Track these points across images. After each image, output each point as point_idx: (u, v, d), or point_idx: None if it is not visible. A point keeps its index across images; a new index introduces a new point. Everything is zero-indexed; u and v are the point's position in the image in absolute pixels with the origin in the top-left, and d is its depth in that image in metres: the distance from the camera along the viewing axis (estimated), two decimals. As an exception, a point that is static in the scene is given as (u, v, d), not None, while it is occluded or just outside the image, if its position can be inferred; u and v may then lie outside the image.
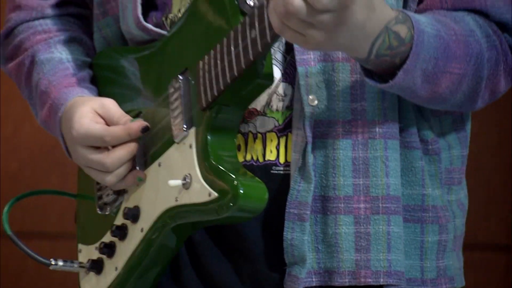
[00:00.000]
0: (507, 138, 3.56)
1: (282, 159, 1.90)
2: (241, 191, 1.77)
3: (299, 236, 1.87)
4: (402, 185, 1.91)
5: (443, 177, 1.97)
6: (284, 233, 1.87)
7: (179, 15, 1.96)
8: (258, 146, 1.92)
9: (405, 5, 1.90)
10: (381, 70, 1.80)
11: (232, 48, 1.80)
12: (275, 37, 1.74)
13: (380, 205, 1.89)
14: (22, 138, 3.83)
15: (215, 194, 1.79)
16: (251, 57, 1.76)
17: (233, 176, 1.80)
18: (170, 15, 1.99)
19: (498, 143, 3.57)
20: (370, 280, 1.87)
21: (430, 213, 1.94)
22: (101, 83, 2.08)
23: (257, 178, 1.83)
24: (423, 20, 1.82)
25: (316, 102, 1.86)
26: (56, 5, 2.14)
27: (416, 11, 1.90)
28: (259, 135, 1.91)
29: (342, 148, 1.88)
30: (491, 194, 3.69)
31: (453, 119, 1.97)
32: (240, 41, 1.78)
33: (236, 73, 1.79)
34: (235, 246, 1.93)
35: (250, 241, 1.92)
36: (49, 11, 2.13)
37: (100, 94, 2.05)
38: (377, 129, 1.88)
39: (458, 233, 1.99)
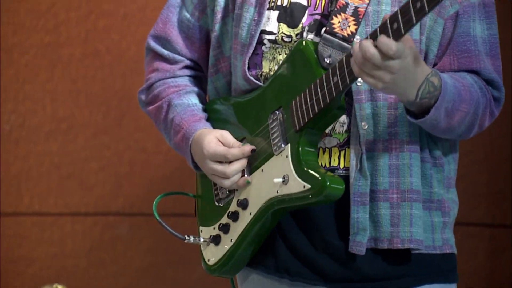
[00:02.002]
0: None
1: (342, 165, 2.22)
2: (328, 183, 2.12)
3: (362, 215, 2.19)
4: (419, 181, 2.25)
5: (445, 182, 2.27)
6: (352, 213, 2.19)
7: (271, 73, 2.26)
8: (326, 156, 2.24)
9: None
10: (417, 110, 2.13)
11: (319, 90, 2.14)
12: (352, 80, 2.07)
13: (406, 195, 2.20)
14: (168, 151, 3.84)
15: (308, 186, 2.14)
16: (334, 94, 2.10)
17: (321, 173, 2.15)
18: (264, 72, 2.28)
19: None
20: (399, 245, 2.18)
21: (435, 204, 2.25)
22: (213, 120, 2.39)
23: (337, 176, 2.18)
24: (444, 75, 2.14)
25: (366, 126, 2.18)
26: (181, 69, 2.43)
27: None
28: (326, 149, 2.23)
29: (382, 158, 2.20)
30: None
31: (450, 145, 2.27)
32: (325, 85, 2.13)
33: (322, 106, 2.13)
34: (310, 223, 2.24)
35: (320, 219, 2.23)
36: (178, 73, 2.42)
37: (213, 127, 2.36)
38: (405, 146, 2.20)
39: (452, 219, 2.29)
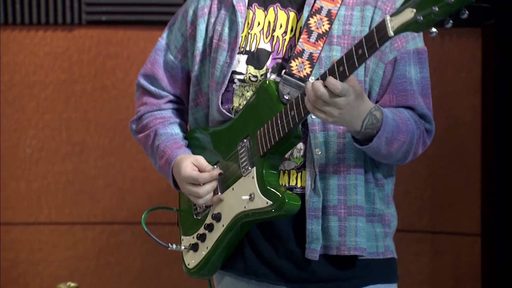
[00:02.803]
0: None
1: (299, 185, 2.28)
2: (287, 199, 2.20)
3: (316, 227, 2.25)
4: (364, 199, 2.28)
5: (385, 199, 2.33)
6: (307, 225, 2.24)
7: (240, 107, 2.33)
8: (286, 177, 2.29)
9: None
10: (362, 138, 2.19)
11: (279, 122, 2.21)
12: (306, 114, 2.15)
13: (352, 211, 2.27)
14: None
15: (270, 202, 2.22)
16: (291, 126, 2.18)
17: (281, 192, 2.22)
18: (235, 106, 2.35)
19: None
20: (346, 252, 2.25)
21: (377, 217, 2.31)
22: (193, 147, 2.44)
23: (294, 194, 2.23)
24: (385, 110, 2.21)
25: (320, 152, 2.25)
26: (166, 103, 2.48)
27: None
28: (286, 171, 2.29)
29: (332, 179, 2.27)
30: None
31: (388, 169, 2.32)
32: (284, 118, 2.20)
33: (282, 135, 2.20)
34: (273, 233, 2.29)
35: (282, 230, 2.28)
36: (163, 106, 2.48)
37: (193, 153, 2.41)
38: (351, 169, 2.26)
39: (393, 230, 2.34)
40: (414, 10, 1.94)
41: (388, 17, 1.98)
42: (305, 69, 2.24)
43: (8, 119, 3.87)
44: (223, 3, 2.36)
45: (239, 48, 2.32)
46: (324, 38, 2.23)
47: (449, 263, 3.76)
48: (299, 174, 2.29)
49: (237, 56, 2.32)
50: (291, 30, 2.30)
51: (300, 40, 2.24)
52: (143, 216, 2.42)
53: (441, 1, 1.91)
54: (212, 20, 2.36)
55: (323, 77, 2.08)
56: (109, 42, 3.82)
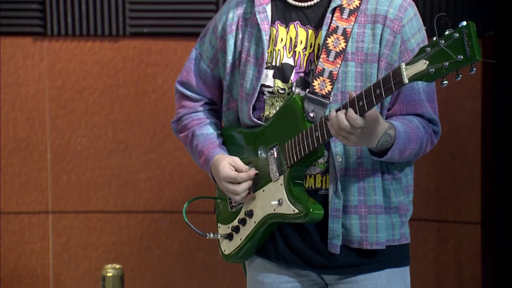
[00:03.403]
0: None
1: (323, 187, 2.32)
2: (311, 210, 2.24)
3: (337, 225, 2.30)
4: (382, 198, 2.31)
5: (404, 189, 2.35)
6: (329, 223, 2.29)
7: (270, 115, 2.35)
8: (312, 180, 2.33)
9: (381, 113, 2.28)
10: (378, 152, 2.23)
11: (304, 140, 2.24)
12: (328, 137, 2.19)
13: (372, 209, 2.30)
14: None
15: (296, 211, 2.26)
16: (316, 145, 2.22)
17: (306, 203, 2.25)
18: (265, 114, 2.37)
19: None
20: (368, 247, 2.29)
21: (393, 209, 2.33)
22: (227, 144, 2.47)
23: (316, 202, 2.26)
24: (398, 124, 2.22)
25: (340, 159, 2.29)
26: (202, 105, 2.52)
27: (386, 115, 2.31)
28: (312, 175, 2.33)
29: (352, 182, 2.30)
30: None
31: (405, 162, 2.35)
32: (309, 137, 2.23)
33: (307, 152, 2.24)
34: (301, 227, 2.34)
35: (308, 226, 2.33)
36: (199, 108, 2.52)
37: (227, 149, 2.44)
38: (369, 172, 2.29)
39: (409, 217, 2.38)
40: (427, 62, 1.97)
41: (403, 66, 2.01)
42: (326, 87, 2.25)
43: (60, 120, 3.93)
44: (249, 21, 2.37)
45: (266, 63, 2.33)
46: (342, 56, 2.25)
47: (452, 248, 3.83)
48: (324, 178, 2.33)
49: (265, 71, 2.32)
50: (310, 46, 2.31)
51: (320, 59, 2.25)
52: (184, 207, 2.47)
53: (451, 57, 1.93)
54: (240, 36, 2.37)
55: (344, 107, 2.11)
56: (150, 51, 3.88)
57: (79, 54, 3.92)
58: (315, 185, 2.32)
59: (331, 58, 2.26)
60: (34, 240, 4.00)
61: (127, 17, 3.90)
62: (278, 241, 2.36)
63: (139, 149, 3.98)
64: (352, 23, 2.26)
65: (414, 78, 2.00)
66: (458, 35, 1.92)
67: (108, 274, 3.64)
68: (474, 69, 1.94)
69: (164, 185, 3.97)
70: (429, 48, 1.97)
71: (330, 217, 2.29)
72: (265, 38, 2.32)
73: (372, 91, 2.06)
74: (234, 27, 2.39)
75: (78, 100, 3.94)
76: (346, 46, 2.25)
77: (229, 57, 2.39)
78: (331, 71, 2.25)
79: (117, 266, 3.69)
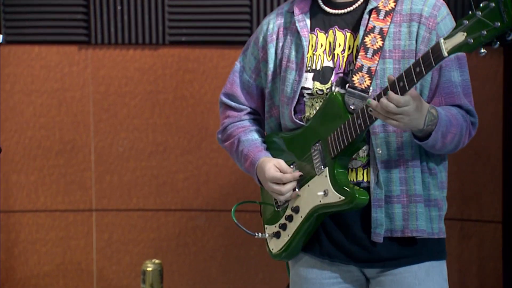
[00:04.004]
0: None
1: (365, 179, 2.32)
2: (357, 195, 2.24)
3: (380, 214, 2.29)
4: (422, 189, 2.29)
5: (439, 185, 2.35)
6: (372, 213, 2.29)
7: (311, 116, 2.36)
8: (354, 174, 2.33)
9: None
10: (423, 135, 2.21)
11: (347, 129, 2.24)
12: (371, 122, 2.18)
13: (412, 199, 2.29)
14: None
15: (342, 197, 2.26)
16: (358, 132, 2.21)
17: (351, 188, 2.25)
18: (306, 115, 2.38)
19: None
20: (409, 234, 2.28)
21: (432, 202, 2.33)
22: (271, 149, 2.47)
23: (362, 189, 2.26)
24: (438, 108, 2.23)
25: (380, 151, 2.29)
26: (245, 114, 2.55)
27: None
28: (354, 169, 2.33)
29: (394, 172, 2.30)
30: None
31: (440, 159, 2.34)
32: (352, 125, 2.23)
33: (350, 140, 2.23)
34: (343, 222, 2.34)
35: (350, 219, 2.33)
36: (243, 117, 2.54)
37: (272, 155, 2.45)
38: (409, 163, 2.29)
39: (444, 212, 2.37)
40: (465, 34, 1.96)
41: (442, 40, 2.01)
42: (365, 81, 2.27)
43: (104, 123, 3.97)
44: (288, 30, 2.39)
45: (306, 67, 2.34)
46: (379, 53, 2.26)
47: (475, 246, 3.82)
48: (365, 171, 2.33)
49: (304, 74, 2.34)
50: (349, 48, 2.33)
51: (359, 56, 2.26)
52: (232, 209, 2.48)
53: (488, 25, 1.93)
54: (280, 44, 2.40)
55: (385, 92, 2.12)
56: (187, 59, 3.91)
57: (121, 62, 3.96)
58: (356, 178, 2.33)
59: (369, 55, 2.27)
60: (79, 236, 4.04)
61: (167, 26, 3.92)
62: (321, 237, 2.36)
63: (177, 151, 3.99)
64: (388, 23, 2.28)
65: (453, 50, 1.99)
66: (494, 4, 1.91)
67: (148, 269, 3.67)
68: (511, 35, 1.92)
69: (201, 184, 3.99)
70: (466, 21, 1.96)
71: (373, 207, 2.29)
72: (305, 43, 2.33)
73: (412, 70, 2.06)
74: (274, 37, 2.41)
75: (120, 104, 3.98)
76: (383, 44, 2.26)
77: (271, 65, 2.41)
78: (369, 67, 2.27)
79: (157, 261, 3.71)
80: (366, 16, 2.30)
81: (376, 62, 2.26)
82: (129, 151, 4.02)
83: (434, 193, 2.33)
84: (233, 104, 2.52)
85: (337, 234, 2.35)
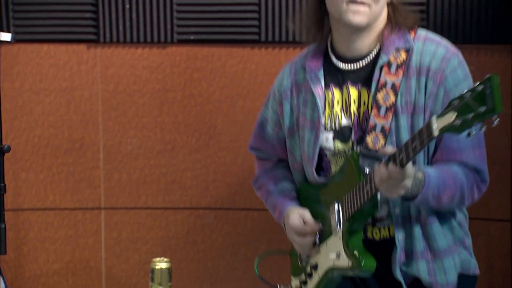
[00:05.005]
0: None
1: (388, 236, 2.32)
2: (362, 264, 2.23)
3: (403, 272, 2.27)
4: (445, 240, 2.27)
5: (461, 223, 2.37)
6: (397, 270, 2.28)
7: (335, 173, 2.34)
8: (376, 230, 2.34)
9: (425, 159, 2.26)
10: (410, 196, 2.17)
11: (358, 193, 2.22)
12: (376, 190, 2.15)
13: (437, 253, 2.29)
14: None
15: (350, 263, 2.26)
16: (366, 198, 2.20)
17: (359, 256, 2.23)
18: (332, 172, 2.37)
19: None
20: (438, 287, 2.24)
21: (458, 245, 2.34)
22: (301, 199, 2.49)
23: (370, 255, 2.23)
24: (431, 170, 2.17)
25: (398, 211, 2.26)
26: (275, 163, 2.58)
27: (431, 162, 2.26)
28: (376, 226, 2.33)
29: (415, 230, 2.27)
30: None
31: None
32: (361, 190, 2.21)
33: (360, 205, 2.21)
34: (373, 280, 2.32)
35: (376, 274, 2.29)
36: (274, 166, 2.57)
37: (301, 204, 2.45)
38: (429, 219, 2.27)
39: (470, 244, 2.39)
40: (455, 114, 1.91)
41: (434, 118, 1.97)
42: (379, 141, 2.23)
43: (112, 121, 3.95)
44: (303, 86, 2.38)
45: (325, 126, 2.32)
46: (392, 110, 2.22)
47: (483, 244, 3.76)
48: (387, 228, 2.35)
49: (325, 134, 2.32)
50: (364, 104, 2.30)
51: (372, 115, 2.23)
52: (255, 262, 2.56)
53: (474, 109, 1.87)
54: (295, 101, 2.40)
55: (386, 161, 2.11)
56: (196, 57, 3.88)
57: (129, 60, 3.93)
58: (380, 235, 2.34)
59: (382, 113, 2.23)
60: (88, 234, 4.03)
61: (175, 25, 3.90)
62: None
63: (186, 149, 3.97)
64: (400, 77, 2.24)
65: (443, 130, 1.95)
66: (481, 87, 1.86)
67: (157, 267, 3.39)
68: (495, 121, 1.88)
69: (209, 183, 3.98)
70: (457, 100, 1.92)
71: (398, 263, 2.28)
72: (320, 102, 2.31)
73: (410, 144, 2.03)
74: (288, 93, 2.41)
75: (129, 103, 3.96)
76: (396, 100, 2.22)
77: (287, 122, 2.41)
78: (383, 126, 2.23)
79: (165, 259, 3.48)
80: (377, 71, 2.25)
81: (390, 119, 2.21)
82: (138, 150, 3.99)
83: (458, 233, 2.32)
84: (261, 155, 2.57)
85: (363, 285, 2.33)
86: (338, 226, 2.27)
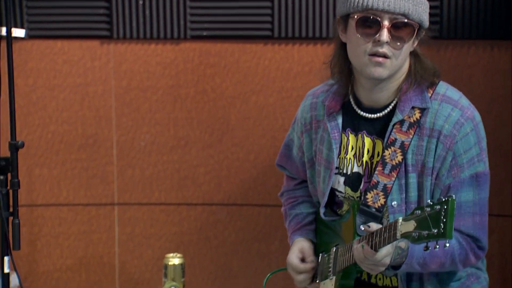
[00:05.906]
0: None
1: (394, 284, 2.30)
2: None
3: None
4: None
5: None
6: None
7: (344, 212, 2.32)
8: (388, 280, 2.31)
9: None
10: (395, 265, 2.16)
11: (347, 253, 2.24)
12: (355, 263, 2.16)
13: None
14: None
15: None
16: (350, 262, 2.21)
17: None
18: (343, 210, 2.36)
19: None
20: None
21: (471, 278, 2.34)
22: (319, 223, 2.49)
23: None
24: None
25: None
26: (299, 183, 2.59)
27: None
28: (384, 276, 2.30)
29: (419, 283, 2.26)
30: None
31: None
32: (349, 251, 2.22)
33: (347, 264, 2.22)
34: None
35: None
36: (297, 187, 2.60)
37: (316, 230, 2.45)
38: (433, 274, 2.23)
39: (484, 263, 2.39)
40: (415, 225, 1.90)
41: (400, 220, 1.94)
42: (379, 199, 2.21)
43: (126, 117, 3.95)
44: (321, 123, 2.37)
45: (338, 169, 2.32)
46: (397, 169, 2.20)
47: (496, 241, 3.74)
48: (390, 277, 2.35)
49: (337, 177, 2.32)
50: (377, 155, 2.29)
51: (376, 172, 2.22)
52: (264, 280, 2.56)
53: (429, 228, 1.86)
54: (314, 136, 2.40)
55: (362, 240, 2.11)
56: (209, 53, 3.88)
57: (143, 56, 3.94)
58: (384, 283, 2.33)
59: (386, 171, 2.21)
60: (101, 230, 4.04)
61: (188, 21, 3.90)
62: None
63: (199, 145, 3.98)
64: (411, 136, 2.22)
65: (404, 236, 1.94)
66: (438, 208, 1.85)
67: (170, 263, 3.62)
68: (448, 244, 1.86)
69: (222, 179, 3.98)
70: (419, 211, 1.90)
71: None
72: (335, 146, 2.31)
73: (382, 233, 2.02)
74: (309, 127, 2.42)
75: (142, 99, 3.97)
76: (402, 159, 2.19)
77: (307, 154, 2.43)
78: (385, 184, 2.21)
79: (178, 255, 3.65)
80: (390, 127, 2.22)
81: (394, 178, 2.19)
82: (151, 145, 3.99)
83: (467, 270, 2.29)
84: (287, 173, 2.60)
85: None
86: (332, 273, 2.29)
